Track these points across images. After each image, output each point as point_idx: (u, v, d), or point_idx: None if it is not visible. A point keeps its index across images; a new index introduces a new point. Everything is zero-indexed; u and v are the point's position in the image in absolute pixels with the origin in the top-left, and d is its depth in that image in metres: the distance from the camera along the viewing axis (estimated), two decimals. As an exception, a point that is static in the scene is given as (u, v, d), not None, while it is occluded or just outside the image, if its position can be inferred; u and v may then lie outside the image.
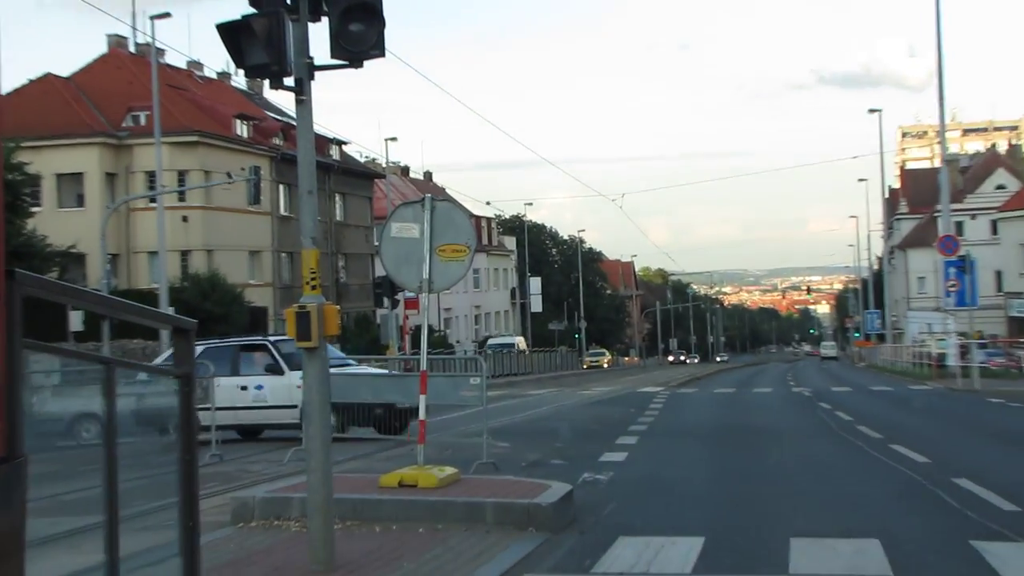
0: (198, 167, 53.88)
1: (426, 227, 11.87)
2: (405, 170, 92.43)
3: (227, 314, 47.85)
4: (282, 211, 60.50)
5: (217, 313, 46.89)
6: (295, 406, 18.61)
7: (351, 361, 21.21)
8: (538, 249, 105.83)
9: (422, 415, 12.45)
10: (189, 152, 53.85)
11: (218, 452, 17.13)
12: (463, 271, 12.00)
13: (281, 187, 60.43)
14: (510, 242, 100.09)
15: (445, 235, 11.90)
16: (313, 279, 8.81)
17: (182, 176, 53.16)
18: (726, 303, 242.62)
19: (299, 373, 18.44)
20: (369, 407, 17.95)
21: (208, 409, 17.40)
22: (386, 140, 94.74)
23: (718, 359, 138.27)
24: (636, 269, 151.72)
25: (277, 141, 61.06)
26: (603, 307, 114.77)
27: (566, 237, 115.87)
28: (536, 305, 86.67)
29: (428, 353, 12.68)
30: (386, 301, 43.64)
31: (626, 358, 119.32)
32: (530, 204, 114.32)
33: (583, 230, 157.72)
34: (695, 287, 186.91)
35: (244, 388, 19.68)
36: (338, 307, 9.52)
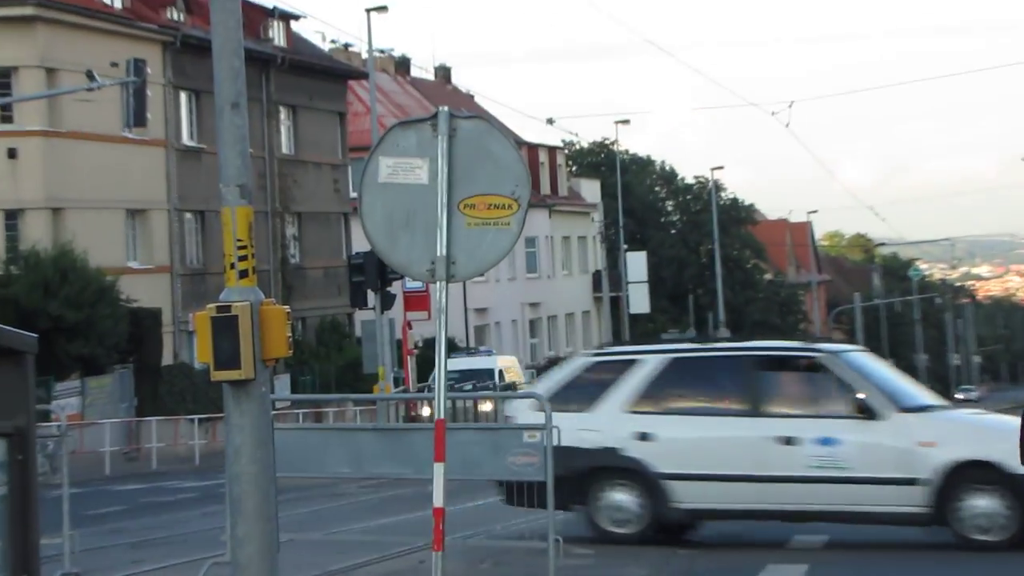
0: (35, 62, 54.19)
1: (441, 165, 11.87)
2: (403, 65, 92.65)
3: (89, 320, 48.03)
4: (185, 139, 60.81)
5: (71, 319, 47.08)
6: (911, 481, 18.69)
7: None
8: (641, 203, 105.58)
9: (438, 500, 12.47)
10: (20, 35, 54.16)
11: (75, 570, 17.21)
12: (508, 244, 11.98)
13: (183, 96, 60.73)
14: (591, 190, 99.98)
15: (476, 180, 11.90)
16: (243, 259, 8.83)
17: (7, 78, 53.52)
18: (980, 294, 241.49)
19: (905, 418, 18.78)
20: None
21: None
22: (368, 11, 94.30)
23: (959, 395, 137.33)
24: (816, 236, 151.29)
25: (174, 15, 61.36)
26: (758, 303, 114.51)
27: (690, 181, 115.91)
28: (639, 302, 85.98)
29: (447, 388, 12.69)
30: (371, 297, 43.72)
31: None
32: (626, 123, 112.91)
33: (720, 167, 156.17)
34: (922, 266, 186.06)
35: (789, 442, 19.29)
36: (287, 308, 9.53)
